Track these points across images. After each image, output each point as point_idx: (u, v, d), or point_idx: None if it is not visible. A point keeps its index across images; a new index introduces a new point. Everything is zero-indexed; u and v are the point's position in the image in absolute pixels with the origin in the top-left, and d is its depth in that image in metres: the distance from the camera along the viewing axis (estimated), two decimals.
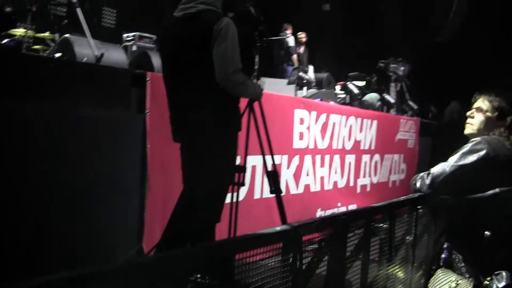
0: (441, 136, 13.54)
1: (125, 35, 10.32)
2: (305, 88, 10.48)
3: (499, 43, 16.10)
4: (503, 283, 3.27)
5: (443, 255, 3.74)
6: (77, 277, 1.51)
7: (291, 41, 15.02)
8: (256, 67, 5.70)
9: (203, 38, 4.53)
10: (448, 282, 3.52)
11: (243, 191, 5.96)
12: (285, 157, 7.65)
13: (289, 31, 15.32)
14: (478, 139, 3.50)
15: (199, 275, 1.99)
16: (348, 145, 9.44)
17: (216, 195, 4.75)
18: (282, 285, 2.40)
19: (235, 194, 5.16)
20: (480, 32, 16.65)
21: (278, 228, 2.34)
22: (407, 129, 11.82)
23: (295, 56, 15.04)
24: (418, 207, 3.77)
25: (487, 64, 15.52)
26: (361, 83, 13.95)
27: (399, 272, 3.67)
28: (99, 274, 1.57)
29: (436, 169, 3.53)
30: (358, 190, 10.01)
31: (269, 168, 5.28)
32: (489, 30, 16.46)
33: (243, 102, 5.00)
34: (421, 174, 3.66)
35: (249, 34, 5.31)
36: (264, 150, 5.22)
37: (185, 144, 4.84)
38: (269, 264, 2.38)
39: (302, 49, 15.86)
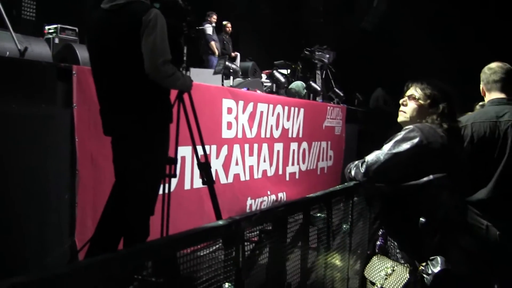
0: (367, 122, 13.75)
1: (46, 27, 10.07)
2: (231, 78, 10.44)
3: (423, 30, 16.38)
4: (438, 268, 3.32)
5: (378, 242, 3.77)
6: (15, 286, 1.45)
7: (208, 29, 14.95)
8: (185, 58, 5.66)
9: (132, 30, 4.47)
10: (384, 268, 3.56)
11: (173, 182, 5.93)
12: (214, 147, 7.64)
13: (213, 19, 15.26)
14: (411, 127, 3.53)
15: (144, 273, 1.96)
16: (276, 134, 9.49)
17: (149, 188, 4.72)
18: (226, 278, 2.40)
19: (166, 186, 5.13)
20: (404, 19, 16.92)
21: (220, 222, 2.32)
22: (333, 116, 11.95)
23: (212, 43, 14.98)
24: (354, 195, 3.81)
25: (411, 51, 15.77)
26: (287, 71, 14.02)
27: (337, 260, 3.70)
28: (38, 280, 1.51)
29: (371, 157, 3.55)
30: (287, 178, 10.09)
31: (200, 159, 5.28)
32: (414, 16, 16.73)
33: (173, 94, 4.96)
34: (356, 162, 3.67)
35: (178, 25, 5.26)
36: (194, 141, 5.20)
37: (116, 137, 4.77)
38: (213, 257, 2.37)
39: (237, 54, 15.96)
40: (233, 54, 15.92)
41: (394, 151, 3.46)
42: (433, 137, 3.46)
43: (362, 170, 3.54)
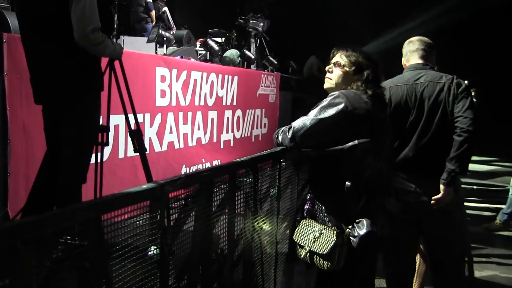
0: (301, 90, 13.85)
1: None
2: (165, 46, 10.39)
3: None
4: (363, 230, 3.40)
5: (306, 206, 3.84)
6: None
7: None
8: (115, 25, 5.62)
9: None
10: (312, 231, 3.63)
11: (107, 151, 5.92)
12: (148, 115, 7.63)
13: None
14: (336, 93, 3.58)
15: (68, 237, 1.98)
16: (210, 102, 9.51)
17: (80, 156, 4.69)
18: (150, 242, 2.42)
19: (99, 154, 5.12)
20: None
21: (144, 186, 2.34)
22: (268, 84, 12.00)
23: (153, 13, 14.81)
24: (281, 160, 3.86)
25: (344, 19, 15.90)
26: (221, 40, 14.00)
27: (265, 224, 3.76)
28: None
29: (297, 123, 3.59)
30: (222, 145, 10.14)
31: (132, 127, 5.27)
32: None
33: (104, 62, 4.94)
34: (283, 128, 3.71)
35: None
36: (126, 109, 5.20)
37: (47, 106, 4.74)
38: (138, 222, 2.39)
39: (165, 8, 15.70)
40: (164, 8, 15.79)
41: (320, 116, 3.52)
42: (358, 103, 3.52)
43: (289, 135, 3.60)
